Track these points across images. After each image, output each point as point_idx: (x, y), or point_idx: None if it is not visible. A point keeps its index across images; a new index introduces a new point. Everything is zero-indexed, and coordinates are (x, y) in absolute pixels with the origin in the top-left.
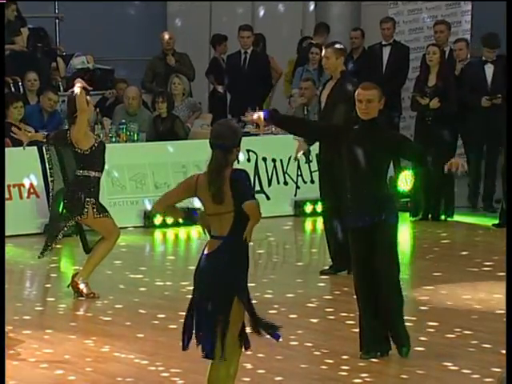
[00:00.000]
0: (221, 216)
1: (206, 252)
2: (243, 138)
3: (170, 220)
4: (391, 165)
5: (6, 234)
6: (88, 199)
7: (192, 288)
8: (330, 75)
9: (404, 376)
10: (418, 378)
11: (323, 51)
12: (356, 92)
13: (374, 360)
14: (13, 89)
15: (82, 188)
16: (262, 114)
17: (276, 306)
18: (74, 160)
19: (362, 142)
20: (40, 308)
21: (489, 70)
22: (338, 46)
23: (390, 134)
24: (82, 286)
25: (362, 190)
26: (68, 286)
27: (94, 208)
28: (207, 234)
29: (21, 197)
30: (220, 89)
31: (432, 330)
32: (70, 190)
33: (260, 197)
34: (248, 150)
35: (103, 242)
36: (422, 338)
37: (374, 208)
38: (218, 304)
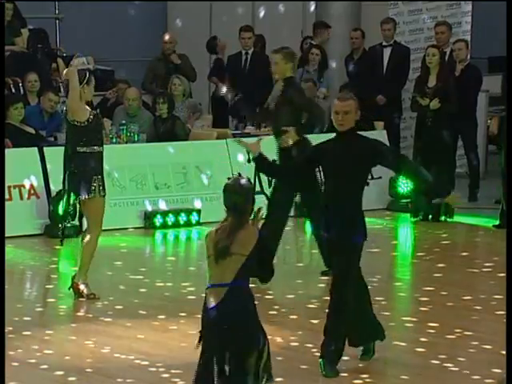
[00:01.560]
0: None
1: (212, 305)
2: (245, 139)
3: (170, 221)
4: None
5: (7, 234)
6: (95, 176)
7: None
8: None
9: (404, 377)
10: (419, 378)
11: (271, 56)
12: (333, 104)
13: (374, 361)
14: (13, 90)
15: (86, 165)
16: (253, 151)
17: (276, 307)
18: (73, 136)
19: (338, 154)
20: (40, 309)
21: None
22: (287, 50)
23: (365, 143)
24: (82, 287)
25: (337, 203)
26: (69, 289)
27: (100, 186)
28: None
29: (21, 198)
30: (223, 89)
31: (432, 331)
32: (75, 169)
33: (261, 198)
34: (249, 152)
35: (88, 237)
36: (423, 339)
37: (343, 223)
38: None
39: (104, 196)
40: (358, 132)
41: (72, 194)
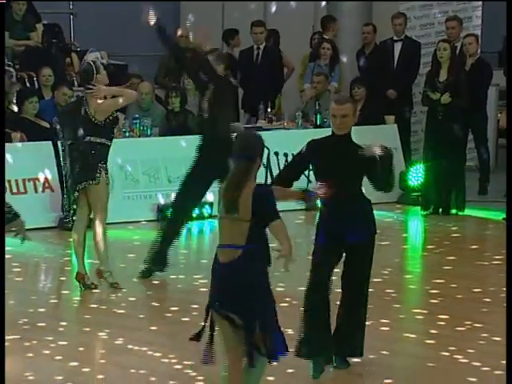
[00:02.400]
0: (232, 222)
1: (224, 261)
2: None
3: None
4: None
5: None
6: (100, 165)
7: (209, 287)
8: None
9: (415, 369)
10: (429, 370)
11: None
12: (330, 107)
13: (384, 353)
14: (28, 84)
15: (95, 153)
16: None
17: (288, 299)
18: (84, 128)
19: (334, 157)
20: (55, 300)
21: None
22: (218, 52)
23: (359, 152)
24: (106, 276)
25: (333, 204)
26: (96, 284)
27: (106, 174)
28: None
29: (36, 191)
30: (235, 83)
31: (442, 323)
32: (82, 155)
33: None
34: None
35: (96, 225)
36: (433, 331)
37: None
38: (256, 310)
39: (108, 184)
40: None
41: (76, 186)
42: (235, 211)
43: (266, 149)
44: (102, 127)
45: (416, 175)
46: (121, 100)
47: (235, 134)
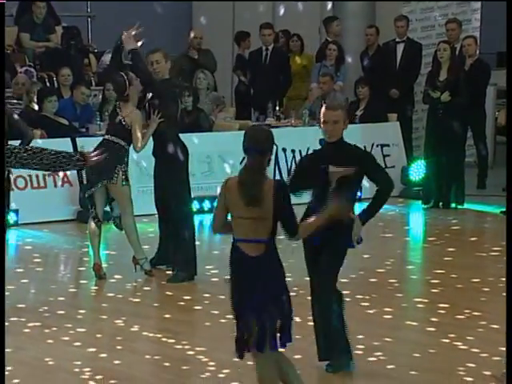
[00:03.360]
0: (256, 220)
1: (253, 255)
2: None
3: (195, 207)
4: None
5: (43, 220)
6: (119, 166)
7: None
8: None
9: (416, 355)
10: (430, 356)
11: (151, 55)
12: (321, 112)
13: (387, 339)
14: (48, 83)
15: (113, 154)
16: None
17: (295, 289)
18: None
19: (326, 163)
20: (73, 290)
21: None
22: (163, 50)
23: (353, 154)
24: (142, 263)
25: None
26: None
27: (123, 175)
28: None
29: (55, 185)
30: (246, 82)
31: (443, 312)
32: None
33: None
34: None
35: (125, 219)
36: (434, 319)
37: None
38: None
39: (125, 185)
40: (345, 141)
41: (93, 185)
42: (260, 203)
43: (274, 145)
44: (126, 130)
45: (417, 170)
46: (139, 135)
47: (245, 129)
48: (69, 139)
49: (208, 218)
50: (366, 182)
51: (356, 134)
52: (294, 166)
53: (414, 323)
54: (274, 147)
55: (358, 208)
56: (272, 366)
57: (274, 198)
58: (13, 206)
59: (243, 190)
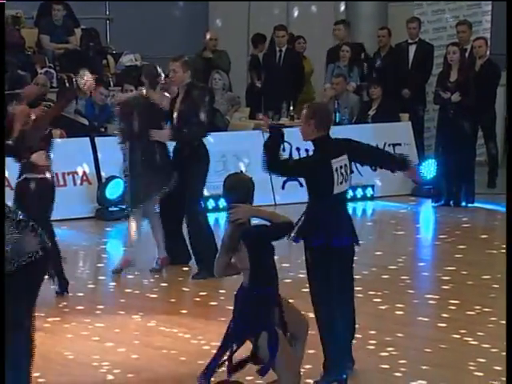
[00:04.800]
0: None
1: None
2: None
3: (210, 205)
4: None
5: (62, 217)
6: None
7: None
8: (177, 90)
9: (427, 350)
10: (441, 351)
11: (171, 63)
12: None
13: (399, 335)
14: (67, 84)
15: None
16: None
17: (307, 285)
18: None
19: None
20: (92, 286)
21: None
22: (185, 59)
23: (339, 144)
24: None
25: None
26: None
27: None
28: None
29: (74, 183)
30: (258, 83)
31: (454, 308)
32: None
33: (294, 184)
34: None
35: (152, 220)
36: (445, 315)
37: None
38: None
39: None
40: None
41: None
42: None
43: (288, 144)
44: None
45: (428, 169)
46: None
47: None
48: (87, 138)
49: (223, 216)
50: (378, 181)
51: (368, 134)
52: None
53: (426, 319)
54: (288, 146)
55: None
56: None
57: (247, 249)
58: None
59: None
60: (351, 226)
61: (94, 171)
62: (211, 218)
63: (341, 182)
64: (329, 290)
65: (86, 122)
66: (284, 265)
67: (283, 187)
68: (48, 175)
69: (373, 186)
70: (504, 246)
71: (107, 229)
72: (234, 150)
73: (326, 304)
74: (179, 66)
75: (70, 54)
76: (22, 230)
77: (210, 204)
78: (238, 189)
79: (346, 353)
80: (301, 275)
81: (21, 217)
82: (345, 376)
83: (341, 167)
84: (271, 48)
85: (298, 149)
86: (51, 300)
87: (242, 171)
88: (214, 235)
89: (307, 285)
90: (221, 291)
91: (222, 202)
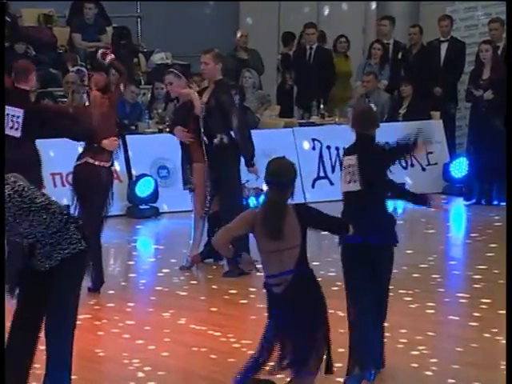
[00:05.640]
0: (282, 252)
1: (277, 292)
2: (310, 128)
3: None
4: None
5: None
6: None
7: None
8: (208, 83)
9: (458, 349)
10: (472, 350)
11: (202, 56)
12: None
13: (430, 334)
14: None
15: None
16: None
17: (339, 283)
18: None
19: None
20: (123, 283)
21: None
22: (216, 51)
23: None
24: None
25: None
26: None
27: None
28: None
29: None
30: (289, 82)
31: (485, 307)
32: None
33: (324, 182)
34: (313, 139)
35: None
36: (476, 314)
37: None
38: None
39: None
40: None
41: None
42: (282, 236)
43: (318, 142)
44: None
45: (460, 167)
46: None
47: (268, 161)
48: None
49: None
50: (408, 179)
51: (399, 132)
52: (338, 163)
53: (457, 318)
54: (319, 144)
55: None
56: None
57: (300, 223)
58: (64, 201)
59: (266, 224)
60: (380, 226)
61: (124, 169)
62: None
63: (349, 182)
64: (357, 288)
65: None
66: (314, 263)
67: (313, 185)
68: (108, 164)
69: (403, 184)
70: None
71: (138, 226)
72: (264, 147)
73: (357, 303)
74: (210, 59)
75: None
76: (66, 224)
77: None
78: (281, 173)
79: (374, 353)
80: (331, 273)
81: (64, 211)
82: (372, 376)
83: (349, 166)
84: (301, 46)
85: (328, 147)
86: (82, 297)
87: (284, 156)
88: (248, 235)
89: (337, 283)
90: (251, 289)
91: (253, 200)
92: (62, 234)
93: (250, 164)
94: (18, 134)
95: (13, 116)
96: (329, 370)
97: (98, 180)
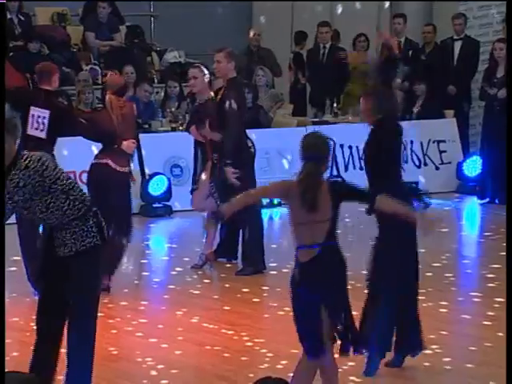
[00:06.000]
0: (313, 224)
1: (304, 260)
2: (323, 127)
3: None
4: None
5: None
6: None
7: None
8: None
9: (472, 348)
10: (486, 349)
11: (215, 55)
12: None
13: (443, 333)
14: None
15: None
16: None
17: (352, 282)
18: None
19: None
20: (136, 281)
21: None
22: (229, 50)
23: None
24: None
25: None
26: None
27: None
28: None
29: None
30: (302, 80)
31: (499, 306)
32: None
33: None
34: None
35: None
36: (490, 313)
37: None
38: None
39: None
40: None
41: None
42: (317, 207)
43: (331, 141)
44: None
45: (473, 166)
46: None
47: (303, 136)
48: None
49: (266, 212)
50: (422, 178)
51: (412, 131)
52: (351, 162)
53: (470, 317)
54: (331, 143)
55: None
56: None
57: (332, 199)
58: None
59: (302, 197)
60: None
61: (137, 168)
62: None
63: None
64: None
65: None
66: None
67: None
68: (127, 169)
69: (417, 183)
70: None
71: (151, 225)
72: (278, 146)
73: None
74: (223, 57)
75: (115, 51)
76: (85, 215)
77: None
78: (317, 147)
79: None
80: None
81: (87, 201)
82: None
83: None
84: (317, 45)
85: (341, 146)
86: None
87: (319, 130)
88: (263, 234)
89: (351, 282)
90: (264, 288)
91: (266, 199)
92: (78, 223)
93: (223, 162)
94: (42, 134)
95: (38, 117)
96: (345, 351)
97: (116, 183)
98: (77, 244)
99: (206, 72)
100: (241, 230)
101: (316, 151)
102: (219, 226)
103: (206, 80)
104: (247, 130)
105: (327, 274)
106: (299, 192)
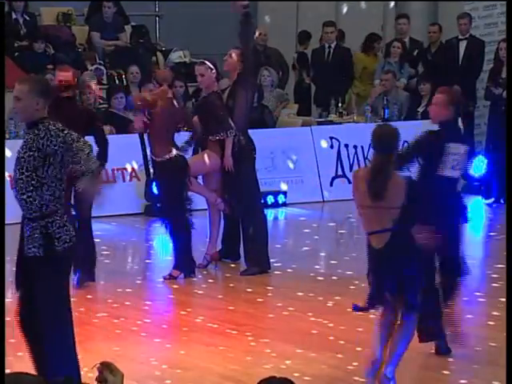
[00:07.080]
0: (378, 210)
1: (378, 246)
2: (328, 126)
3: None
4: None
5: (111, 213)
6: None
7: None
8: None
9: (477, 348)
10: (491, 349)
11: (231, 51)
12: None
13: (447, 333)
14: (117, 81)
15: None
16: None
17: (356, 282)
18: None
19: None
20: (140, 281)
21: None
22: (241, 49)
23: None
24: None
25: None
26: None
27: None
28: None
29: (123, 180)
30: (307, 80)
31: (503, 306)
32: None
33: (342, 181)
34: (331, 138)
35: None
36: (495, 313)
37: None
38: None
39: None
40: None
41: None
42: (383, 198)
43: (337, 141)
44: None
45: (479, 166)
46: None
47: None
48: (137, 135)
49: (271, 212)
50: None
51: (418, 130)
52: (356, 161)
53: (475, 317)
54: (337, 142)
55: None
56: None
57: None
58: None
59: (368, 186)
60: None
61: (142, 167)
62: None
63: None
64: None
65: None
66: (332, 262)
67: (331, 184)
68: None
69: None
70: None
71: (156, 225)
72: (283, 146)
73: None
74: (237, 54)
75: (120, 51)
76: (66, 220)
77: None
78: (385, 139)
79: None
80: (348, 272)
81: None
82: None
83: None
84: (320, 44)
85: (346, 145)
86: (100, 296)
87: (389, 123)
88: (267, 234)
89: (355, 282)
90: (268, 288)
91: (271, 199)
92: (56, 217)
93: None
94: None
95: None
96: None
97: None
98: (61, 243)
99: (212, 67)
100: (241, 231)
101: (383, 143)
102: (221, 227)
103: (214, 76)
104: (251, 130)
105: (398, 264)
106: (366, 181)
